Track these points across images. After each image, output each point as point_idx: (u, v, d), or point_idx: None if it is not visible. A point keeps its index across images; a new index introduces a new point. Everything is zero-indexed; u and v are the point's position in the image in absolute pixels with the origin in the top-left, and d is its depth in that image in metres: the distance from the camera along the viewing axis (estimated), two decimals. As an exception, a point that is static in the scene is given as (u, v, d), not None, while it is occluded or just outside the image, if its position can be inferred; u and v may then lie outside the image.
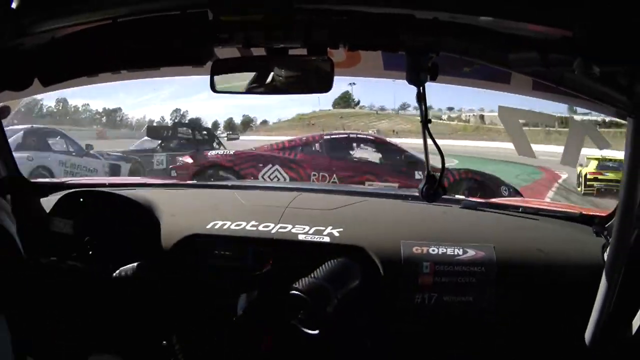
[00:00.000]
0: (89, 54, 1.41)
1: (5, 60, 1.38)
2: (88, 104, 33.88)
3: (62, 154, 11.01)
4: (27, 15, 1.27)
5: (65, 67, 1.46)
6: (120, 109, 34.77)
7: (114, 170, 11.38)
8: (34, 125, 11.36)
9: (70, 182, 2.62)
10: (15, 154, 6.81)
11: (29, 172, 9.45)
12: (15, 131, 10.39)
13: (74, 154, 11.17)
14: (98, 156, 11.68)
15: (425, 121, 1.44)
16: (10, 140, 7.09)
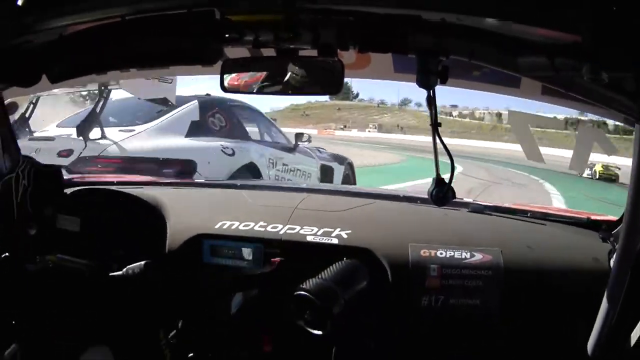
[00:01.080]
0: (97, 51, 1.42)
1: (12, 57, 1.39)
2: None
3: (268, 146, 6.68)
4: (33, 13, 1.28)
5: (73, 64, 1.47)
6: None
7: (325, 175, 7.62)
8: (210, 94, 6.38)
9: (77, 179, 2.63)
10: (196, 142, 5.31)
11: (230, 172, 5.56)
12: (181, 101, 5.64)
13: (280, 147, 6.93)
14: (311, 153, 7.67)
15: (435, 124, 1.43)
16: (177, 114, 5.42)
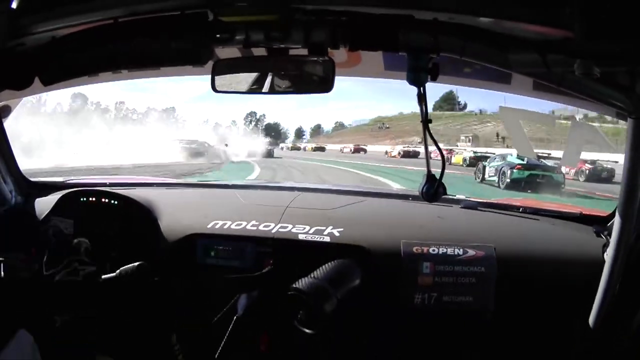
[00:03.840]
0: (90, 53, 1.41)
1: (5, 59, 1.38)
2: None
3: None
4: (27, 15, 1.27)
5: (65, 66, 1.45)
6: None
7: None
8: None
9: (70, 181, 2.62)
10: None
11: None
12: None
13: None
14: None
15: (426, 121, 1.43)
16: None
